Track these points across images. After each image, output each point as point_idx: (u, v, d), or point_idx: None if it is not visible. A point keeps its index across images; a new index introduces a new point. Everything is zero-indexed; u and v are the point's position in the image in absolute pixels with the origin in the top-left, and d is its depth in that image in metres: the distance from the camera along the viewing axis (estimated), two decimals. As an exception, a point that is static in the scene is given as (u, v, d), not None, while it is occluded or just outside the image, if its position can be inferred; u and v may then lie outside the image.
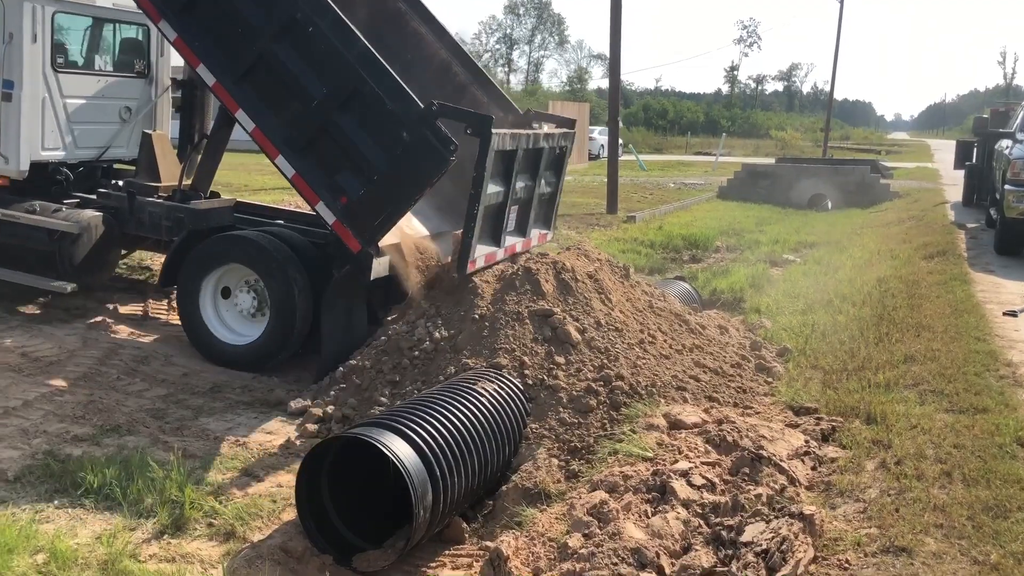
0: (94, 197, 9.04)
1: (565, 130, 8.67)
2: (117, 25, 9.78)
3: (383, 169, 6.77)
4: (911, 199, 22.72)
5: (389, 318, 7.18)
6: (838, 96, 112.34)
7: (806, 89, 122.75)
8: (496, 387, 5.70)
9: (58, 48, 8.96)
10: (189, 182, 8.78)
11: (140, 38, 9.90)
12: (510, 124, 8.75)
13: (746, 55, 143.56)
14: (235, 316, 7.75)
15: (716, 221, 17.78)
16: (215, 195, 9.09)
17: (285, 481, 5.33)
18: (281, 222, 8.70)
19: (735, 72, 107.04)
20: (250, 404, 6.66)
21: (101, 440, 5.76)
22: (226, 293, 7.73)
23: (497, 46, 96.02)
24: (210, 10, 7.21)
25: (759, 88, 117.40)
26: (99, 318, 8.58)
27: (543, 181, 8.38)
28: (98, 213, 8.68)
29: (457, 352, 6.35)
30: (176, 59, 10.26)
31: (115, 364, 7.29)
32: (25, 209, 8.60)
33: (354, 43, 6.75)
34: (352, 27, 6.79)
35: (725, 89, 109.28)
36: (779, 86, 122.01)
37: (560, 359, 6.17)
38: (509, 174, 7.44)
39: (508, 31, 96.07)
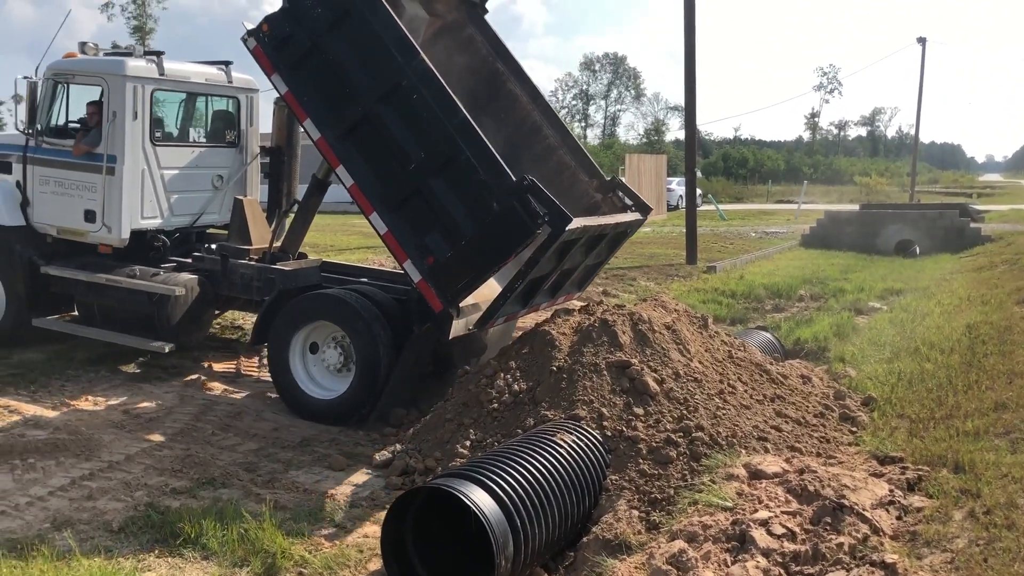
0: (189, 261, 9.50)
1: (636, 217, 8.78)
2: (209, 98, 10.37)
3: (471, 235, 7.01)
4: (1004, 243, 22.01)
5: (469, 371, 7.35)
6: (925, 139, 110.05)
7: (890, 133, 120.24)
8: (575, 438, 5.77)
9: (156, 123, 9.52)
10: (279, 244, 9.16)
11: (230, 109, 10.43)
12: (594, 188, 8.92)
13: (827, 101, 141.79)
14: (322, 371, 7.99)
15: (799, 270, 17.55)
16: (303, 256, 9.46)
17: (371, 532, 5.48)
18: (365, 280, 8.99)
19: (816, 119, 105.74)
20: (336, 458, 6.84)
21: (198, 492, 6.02)
22: (314, 349, 7.99)
23: (574, 102, 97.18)
24: (320, 68, 7.51)
25: (841, 134, 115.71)
26: (195, 376, 8.98)
27: (594, 254, 8.52)
28: (193, 276, 9.12)
29: (536, 404, 6.44)
30: (264, 127, 10.85)
31: (210, 420, 7.62)
32: (126, 274, 9.08)
33: (455, 113, 7.01)
34: (454, 98, 7.05)
35: (806, 136, 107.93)
36: (862, 131, 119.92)
37: (639, 410, 6.21)
38: (564, 254, 7.62)
39: (584, 87, 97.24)
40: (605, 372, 6.48)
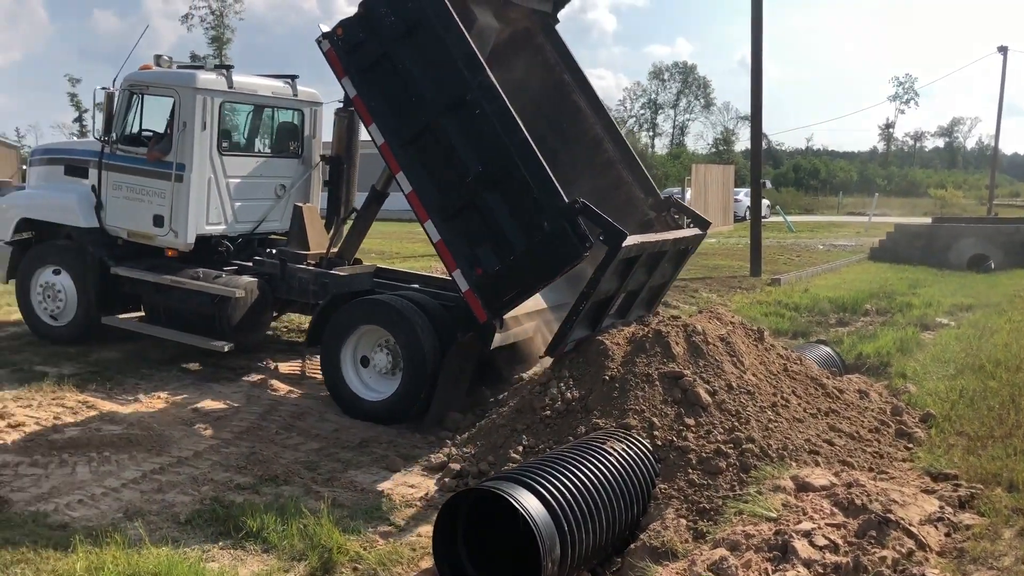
0: (250, 264, 9.89)
1: (696, 233, 8.82)
2: (275, 111, 10.77)
3: (520, 251, 7.14)
4: (1085, 259, 21.30)
5: (524, 377, 7.49)
6: (1008, 151, 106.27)
7: (970, 145, 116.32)
8: (625, 447, 5.86)
9: (224, 133, 9.96)
10: (335, 250, 9.48)
11: (295, 121, 10.82)
12: (649, 206, 8.99)
13: (902, 112, 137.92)
14: (372, 373, 8.25)
15: (866, 283, 17.29)
16: (358, 262, 9.78)
17: (424, 531, 5.65)
18: (416, 286, 9.24)
19: (890, 129, 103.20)
20: (393, 459, 7.03)
21: (260, 489, 6.28)
22: (364, 354, 8.25)
23: (642, 111, 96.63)
24: (389, 75, 7.66)
25: (917, 145, 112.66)
26: (261, 377, 9.29)
27: (659, 274, 8.53)
28: (253, 279, 9.52)
29: (588, 412, 6.55)
30: (326, 137, 11.22)
31: (274, 420, 7.90)
32: (190, 276, 9.52)
33: (515, 131, 7.11)
34: (515, 116, 7.16)
35: (881, 147, 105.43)
36: (940, 142, 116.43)
37: (690, 421, 6.27)
38: (627, 273, 7.67)
39: (653, 96, 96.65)
40: (657, 382, 6.55)
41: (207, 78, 9.63)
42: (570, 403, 6.74)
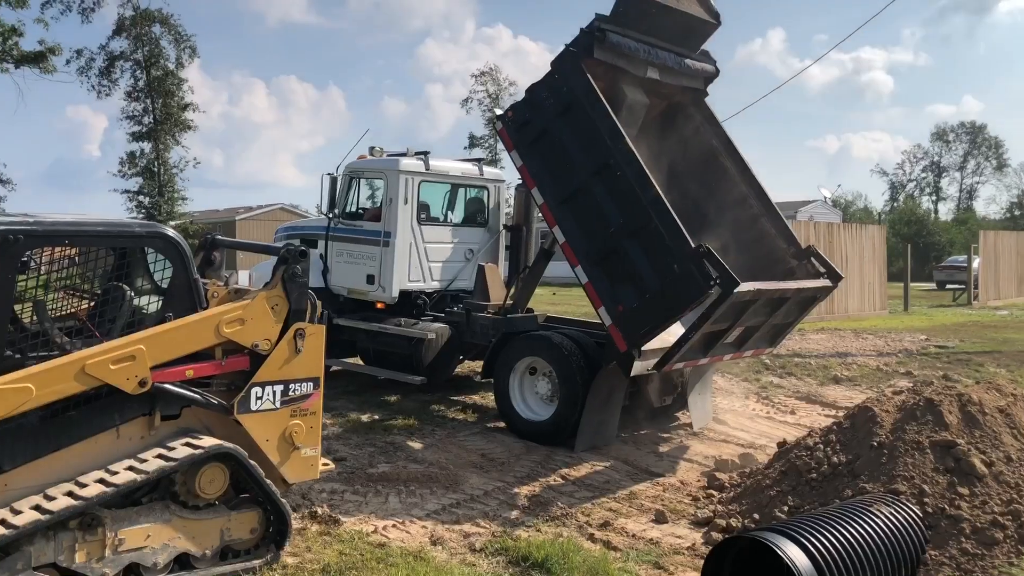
0: (443, 315, 11.69)
1: (824, 284, 9.37)
2: (465, 188, 12.71)
3: (654, 290, 8.15)
4: None
5: (788, 443, 7.72)
6: None
7: None
8: (893, 511, 5.94)
9: (422, 207, 11.90)
10: (511, 302, 10.89)
11: (481, 197, 12.70)
12: (791, 255, 9.70)
13: None
14: (534, 398, 9.77)
15: None
16: (530, 311, 11.15)
17: (691, 576, 6.06)
18: (575, 329, 10.34)
19: None
20: (661, 511, 7.49)
21: (541, 527, 6.98)
22: (528, 380, 9.64)
23: (923, 175, 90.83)
24: (548, 147, 8.99)
25: None
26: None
27: (781, 315, 9.07)
28: (444, 325, 11.30)
29: (855, 477, 6.67)
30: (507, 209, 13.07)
31: (551, 468, 8.64)
32: (393, 324, 11.47)
33: (649, 189, 8.17)
34: (649, 176, 8.20)
35: None
36: None
37: (963, 490, 6.22)
38: (741, 313, 8.28)
39: (935, 159, 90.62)
40: (928, 450, 6.56)
41: (408, 162, 11.66)
42: (836, 467, 6.89)
